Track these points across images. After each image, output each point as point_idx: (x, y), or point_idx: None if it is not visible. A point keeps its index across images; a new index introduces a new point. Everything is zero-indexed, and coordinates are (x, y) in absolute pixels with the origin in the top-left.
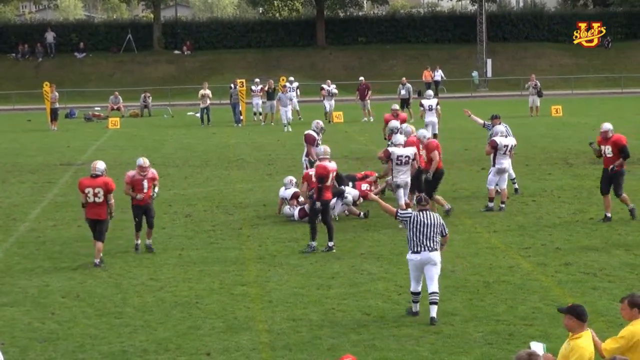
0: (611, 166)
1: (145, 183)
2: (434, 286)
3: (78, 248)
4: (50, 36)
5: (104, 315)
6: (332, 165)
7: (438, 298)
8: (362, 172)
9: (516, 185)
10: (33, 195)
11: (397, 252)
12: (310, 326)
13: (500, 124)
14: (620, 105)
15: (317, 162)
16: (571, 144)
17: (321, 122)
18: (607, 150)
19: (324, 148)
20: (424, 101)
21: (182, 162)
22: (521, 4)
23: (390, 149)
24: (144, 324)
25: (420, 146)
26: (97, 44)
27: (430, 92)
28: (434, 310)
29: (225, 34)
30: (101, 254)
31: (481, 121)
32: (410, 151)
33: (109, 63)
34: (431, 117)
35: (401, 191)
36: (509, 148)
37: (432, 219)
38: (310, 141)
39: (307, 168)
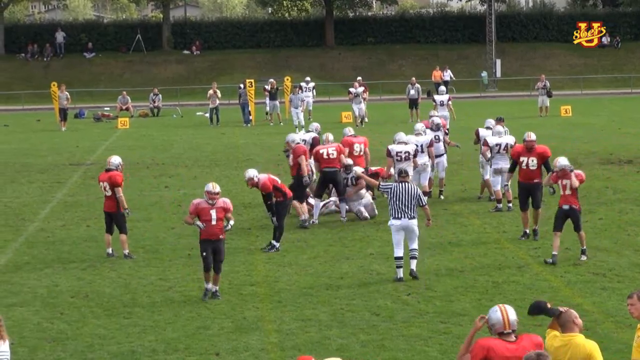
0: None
1: (214, 213)
2: (414, 244)
3: (87, 248)
4: (60, 36)
5: (113, 315)
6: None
7: (417, 254)
8: (375, 169)
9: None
10: (42, 195)
11: (406, 253)
12: (319, 326)
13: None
14: (630, 106)
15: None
16: (580, 144)
17: (319, 126)
18: (532, 162)
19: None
20: (436, 96)
21: (191, 162)
22: (530, 4)
23: (390, 147)
24: (153, 324)
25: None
26: (106, 44)
27: (443, 87)
28: (413, 264)
29: (234, 34)
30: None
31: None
32: (411, 148)
33: (118, 63)
34: (442, 112)
35: None
36: (502, 147)
37: (410, 190)
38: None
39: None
